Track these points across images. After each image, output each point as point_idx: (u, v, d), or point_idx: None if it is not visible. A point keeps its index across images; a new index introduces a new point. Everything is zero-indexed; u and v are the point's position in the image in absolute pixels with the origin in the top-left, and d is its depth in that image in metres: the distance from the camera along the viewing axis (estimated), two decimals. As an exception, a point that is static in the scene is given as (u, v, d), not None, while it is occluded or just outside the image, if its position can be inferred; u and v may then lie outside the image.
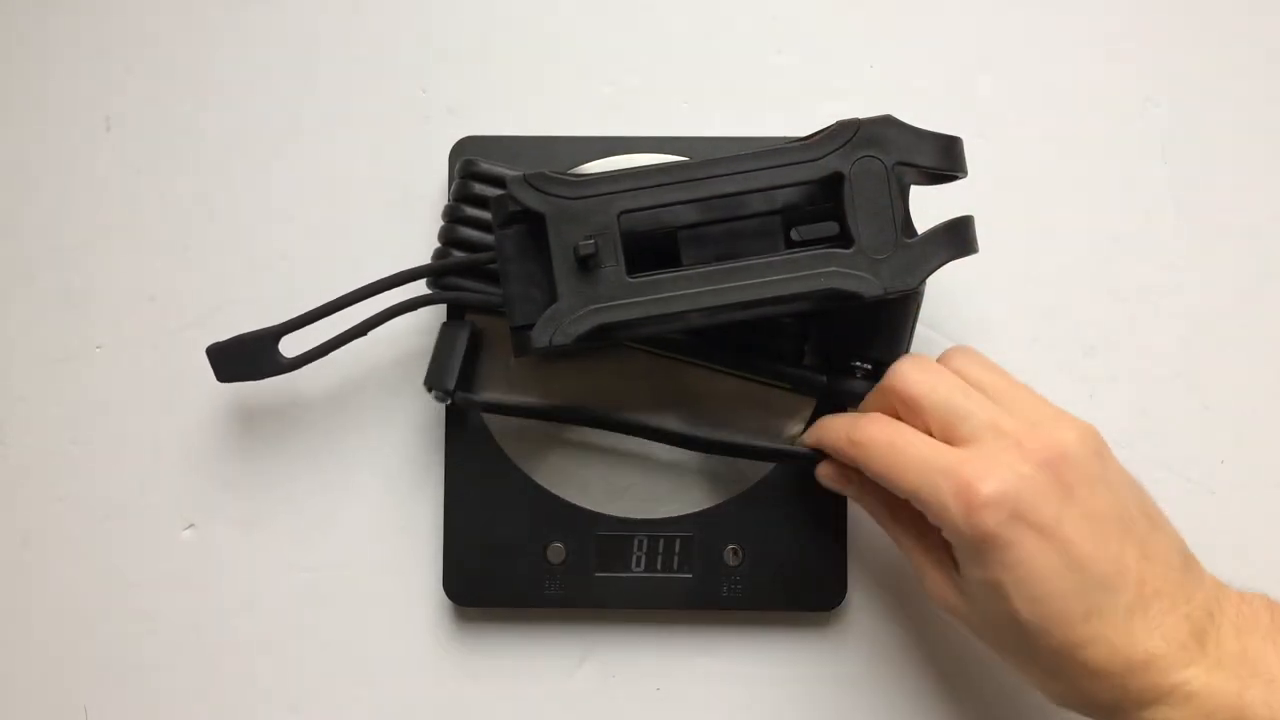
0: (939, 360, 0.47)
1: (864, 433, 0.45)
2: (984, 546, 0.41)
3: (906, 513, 0.46)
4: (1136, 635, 0.41)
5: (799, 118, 0.54)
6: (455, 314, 0.52)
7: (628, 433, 0.51)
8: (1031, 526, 0.41)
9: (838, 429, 0.46)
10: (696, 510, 0.52)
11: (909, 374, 0.45)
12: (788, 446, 0.50)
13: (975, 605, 0.43)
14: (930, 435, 0.44)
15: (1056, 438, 0.42)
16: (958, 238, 0.46)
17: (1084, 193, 0.55)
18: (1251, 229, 0.55)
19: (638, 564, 0.52)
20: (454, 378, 0.50)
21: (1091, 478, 0.42)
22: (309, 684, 0.53)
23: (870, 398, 0.48)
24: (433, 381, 0.50)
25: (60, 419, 0.55)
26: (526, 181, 0.45)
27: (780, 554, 0.52)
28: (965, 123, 0.54)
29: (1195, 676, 0.40)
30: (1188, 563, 0.43)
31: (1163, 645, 0.41)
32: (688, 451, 0.52)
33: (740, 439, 0.51)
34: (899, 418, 0.45)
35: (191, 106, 0.56)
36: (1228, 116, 0.55)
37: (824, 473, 0.49)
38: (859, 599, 0.53)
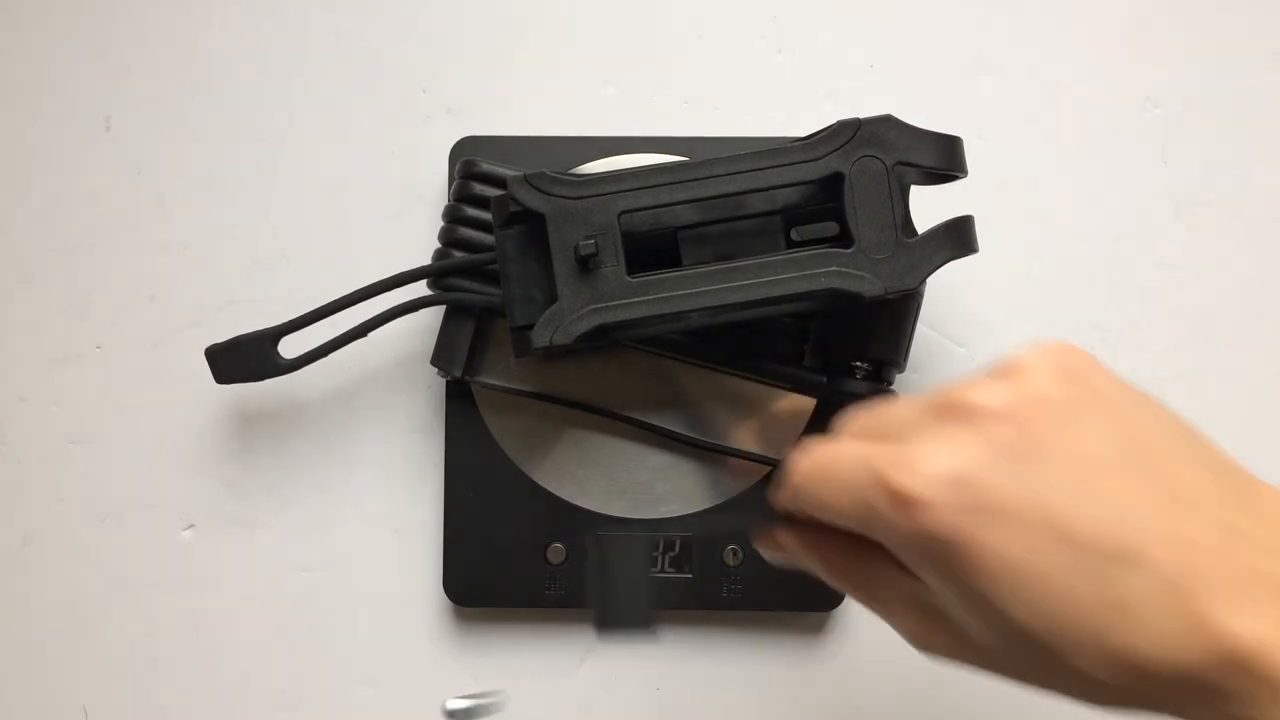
0: None
1: (794, 470, 0.35)
2: (940, 552, 0.31)
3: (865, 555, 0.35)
4: (1200, 617, 0.29)
5: (799, 118, 0.54)
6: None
7: (634, 425, 0.51)
8: (991, 506, 0.30)
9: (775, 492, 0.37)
10: (696, 510, 0.52)
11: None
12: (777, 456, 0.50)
13: (970, 636, 0.33)
14: None
15: (1004, 381, 0.32)
16: (958, 238, 0.46)
17: (1084, 193, 0.55)
18: (1251, 229, 0.55)
19: (638, 564, 0.52)
20: (463, 360, 0.50)
21: (1069, 411, 0.31)
22: (309, 684, 0.53)
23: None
24: (440, 362, 0.50)
25: (60, 419, 0.55)
26: (527, 181, 0.45)
27: (780, 554, 0.52)
28: (965, 123, 0.54)
29: None
30: (1245, 495, 0.31)
31: (1250, 625, 0.29)
32: (688, 451, 0.52)
33: (739, 445, 0.51)
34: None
35: (191, 107, 0.56)
36: (1228, 116, 0.55)
37: (766, 544, 0.39)
38: (859, 599, 0.53)
